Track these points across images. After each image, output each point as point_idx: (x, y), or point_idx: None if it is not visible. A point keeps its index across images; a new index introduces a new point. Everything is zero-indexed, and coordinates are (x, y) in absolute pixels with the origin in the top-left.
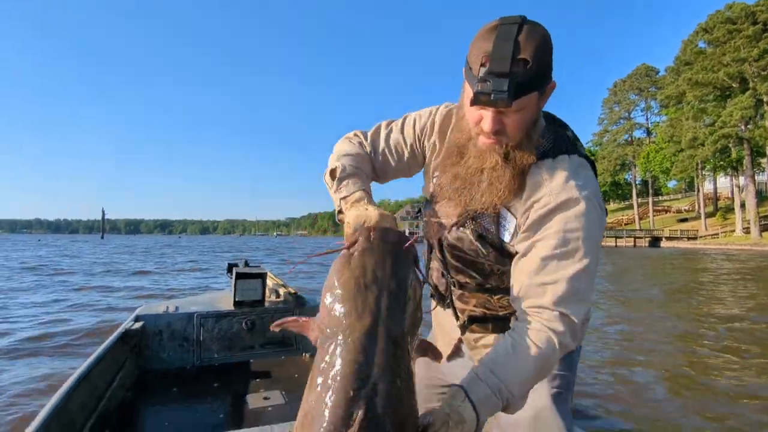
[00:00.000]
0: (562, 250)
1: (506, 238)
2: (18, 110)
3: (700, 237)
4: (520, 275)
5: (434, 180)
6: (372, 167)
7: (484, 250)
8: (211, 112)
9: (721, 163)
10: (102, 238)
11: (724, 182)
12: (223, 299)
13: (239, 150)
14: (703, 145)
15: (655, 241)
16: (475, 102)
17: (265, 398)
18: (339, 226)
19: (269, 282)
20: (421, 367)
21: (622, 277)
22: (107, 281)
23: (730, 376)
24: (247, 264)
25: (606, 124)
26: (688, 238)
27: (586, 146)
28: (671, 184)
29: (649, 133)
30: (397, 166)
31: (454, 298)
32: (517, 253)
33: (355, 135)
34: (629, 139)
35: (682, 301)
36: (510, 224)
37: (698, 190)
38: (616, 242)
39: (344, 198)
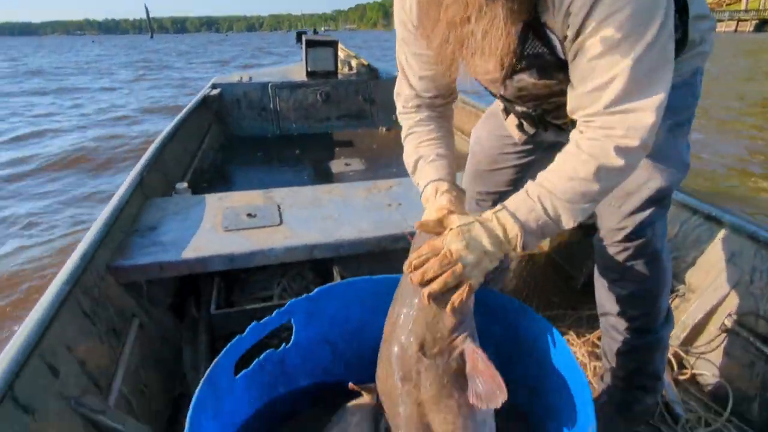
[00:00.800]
0: (613, 40)
1: (562, 55)
2: None
3: None
4: (570, 88)
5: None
6: (440, 103)
7: (554, 81)
8: None
9: None
10: (151, 37)
11: None
12: (296, 70)
13: None
14: None
15: (762, 25)
16: None
17: (346, 164)
18: (390, 18)
19: (340, 54)
20: (485, 123)
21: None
22: (173, 73)
23: None
24: (315, 32)
25: None
26: None
27: None
28: None
29: None
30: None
31: (548, 119)
32: None
33: (404, 109)
34: None
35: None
36: (556, 41)
37: None
38: None
39: (420, 197)
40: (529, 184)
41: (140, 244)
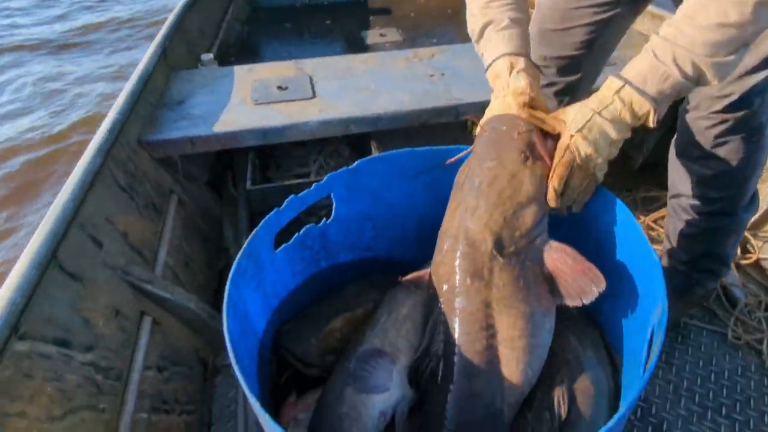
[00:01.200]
0: None
1: None
2: None
3: None
4: None
5: None
6: None
7: None
8: None
9: None
10: None
11: None
12: None
13: None
14: None
15: None
16: None
17: (381, 35)
18: None
19: None
20: None
21: None
22: None
23: None
24: None
25: None
26: None
27: None
28: None
29: None
30: None
31: None
32: None
33: None
34: None
35: None
36: None
37: None
38: None
39: (486, 71)
40: (655, 42)
41: (169, 118)
